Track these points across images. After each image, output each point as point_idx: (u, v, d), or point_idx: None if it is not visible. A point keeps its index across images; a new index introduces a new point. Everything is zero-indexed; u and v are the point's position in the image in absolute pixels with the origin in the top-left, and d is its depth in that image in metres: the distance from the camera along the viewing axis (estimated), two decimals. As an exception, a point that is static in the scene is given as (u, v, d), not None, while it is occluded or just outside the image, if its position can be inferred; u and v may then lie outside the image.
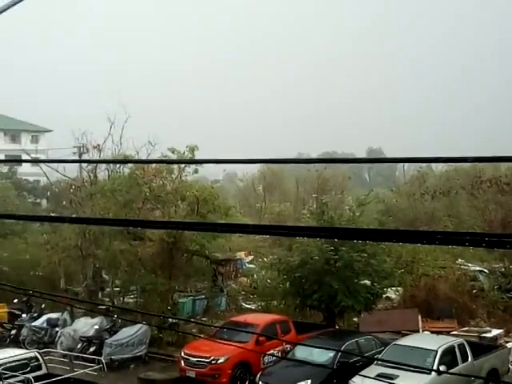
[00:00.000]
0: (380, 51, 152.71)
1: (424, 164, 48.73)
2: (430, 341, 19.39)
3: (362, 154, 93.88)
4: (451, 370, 17.46)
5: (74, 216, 27.10)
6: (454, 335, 22.05)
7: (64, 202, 35.03)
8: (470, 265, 31.24)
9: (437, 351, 17.95)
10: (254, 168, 62.04)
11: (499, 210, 35.86)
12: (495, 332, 23.86)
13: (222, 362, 20.23)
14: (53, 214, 36.24)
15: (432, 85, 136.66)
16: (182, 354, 21.15)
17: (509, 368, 20.11)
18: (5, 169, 54.41)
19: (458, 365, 18.09)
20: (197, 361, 20.57)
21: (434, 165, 50.12)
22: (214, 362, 20.28)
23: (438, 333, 22.03)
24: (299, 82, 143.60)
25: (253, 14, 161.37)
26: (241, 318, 22.95)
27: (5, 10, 6.27)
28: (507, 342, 22.74)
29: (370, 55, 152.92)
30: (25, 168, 57.81)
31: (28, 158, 41.81)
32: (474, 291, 28.63)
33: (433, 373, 17.08)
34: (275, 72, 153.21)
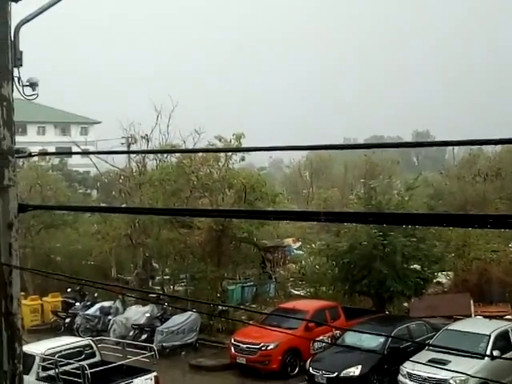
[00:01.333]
0: (424, 28, 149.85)
1: (476, 146, 47.84)
2: (482, 325, 19.11)
3: (409, 138, 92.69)
4: (505, 355, 17.17)
5: (123, 206, 27.49)
6: (507, 319, 21.67)
7: (113, 192, 35.54)
8: (523, 248, 30.55)
9: (490, 336, 17.68)
10: (301, 154, 61.84)
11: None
12: (550, 316, 23.35)
13: (271, 349, 20.32)
14: (103, 204, 36.83)
15: (480, 67, 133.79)
16: (232, 341, 21.31)
17: None
18: (56, 161, 55.43)
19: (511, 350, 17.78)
20: (247, 347, 20.71)
21: (485, 146, 49.15)
22: (263, 348, 20.38)
23: (490, 317, 21.70)
24: (344, 66, 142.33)
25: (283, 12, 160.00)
26: (290, 305, 22.98)
27: (51, 6, 6.35)
28: None
29: (420, 37, 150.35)
30: (75, 159, 58.85)
31: (78, 149, 42.46)
32: (528, 275, 28.00)
33: (486, 358, 16.83)
34: (319, 57, 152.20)
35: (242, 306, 26.65)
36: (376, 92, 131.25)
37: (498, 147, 45.99)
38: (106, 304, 27.31)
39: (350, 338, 19.76)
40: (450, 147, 69.91)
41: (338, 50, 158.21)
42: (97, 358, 17.72)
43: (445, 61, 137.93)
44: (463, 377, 16.01)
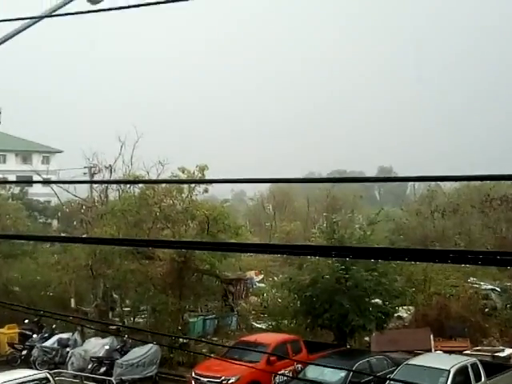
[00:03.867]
0: (392, 71, 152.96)
1: (434, 182, 48.70)
2: (442, 360, 19.25)
3: (373, 173, 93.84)
4: (464, 390, 17.32)
5: (84, 236, 27.19)
6: (466, 354, 21.87)
7: (75, 222, 35.19)
8: (481, 283, 31.04)
9: (449, 371, 17.82)
10: (264, 187, 62.16)
11: (511, 228, 35.66)
12: (508, 351, 23.63)
13: (232, 382, 20.14)
14: (63, 235, 36.37)
15: (444, 103, 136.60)
16: (193, 374, 21.07)
17: (523, 388, 19.89)
18: (16, 190, 54.69)
19: (471, 385, 17.93)
20: (208, 381, 20.49)
21: (443, 183, 50.03)
22: (224, 381, 20.19)
23: (450, 352, 21.86)
24: (311, 103, 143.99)
25: (268, 34, 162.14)
26: (251, 338, 22.86)
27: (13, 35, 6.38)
28: (521, 362, 22.51)
29: (384, 77, 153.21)
30: (36, 188, 58.15)
31: (39, 178, 42.02)
32: (487, 310, 28.42)
33: (446, 393, 16.94)
34: (287, 92, 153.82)
35: (203, 339, 26.44)
36: (343, 128, 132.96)
37: (456, 184, 46.91)
38: (65, 336, 26.81)
39: (312, 372, 19.72)
40: (411, 183, 71.03)
41: (304, 85, 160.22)
42: (54, 392, 17.34)
43: (412, 99, 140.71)
44: (423, 412, 16.07)
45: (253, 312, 31.11)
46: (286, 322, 27.38)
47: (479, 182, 41.96)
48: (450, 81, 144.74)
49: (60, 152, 77.52)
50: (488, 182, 37.99)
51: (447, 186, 49.20)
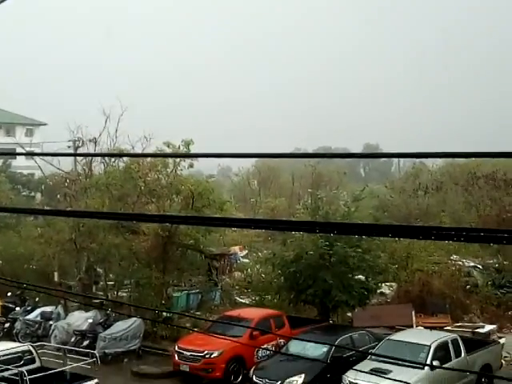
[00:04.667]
0: (379, 47, 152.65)
1: (419, 160, 48.88)
2: (423, 336, 19.45)
3: (359, 150, 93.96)
4: (444, 365, 17.53)
5: (68, 209, 27.05)
6: (447, 330, 22.13)
7: (58, 196, 34.99)
8: (464, 260, 31.33)
9: (430, 346, 18.01)
10: (249, 163, 62.08)
11: (494, 206, 35.90)
12: (488, 327, 23.95)
13: (215, 356, 20.25)
14: (47, 208, 36.18)
15: (432, 80, 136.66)
16: (176, 348, 21.16)
17: (501, 363, 20.19)
18: (-1, 162, 54.26)
19: (451, 360, 18.16)
20: (190, 355, 20.59)
21: (429, 161, 50.28)
22: (207, 356, 20.30)
23: (431, 328, 22.10)
24: (297, 78, 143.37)
25: (252, 13, 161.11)
26: (235, 313, 22.95)
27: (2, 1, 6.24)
28: (500, 338, 22.82)
29: (369, 51, 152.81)
30: (19, 161, 57.59)
31: (22, 151, 41.66)
32: (468, 287, 28.72)
33: (426, 368, 17.15)
34: (273, 68, 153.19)
35: (186, 313, 26.50)
36: (329, 103, 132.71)
37: (440, 161, 47.14)
38: (48, 309, 26.76)
39: (294, 347, 19.86)
40: (396, 160, 71.25)
41: (289, 59, 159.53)
42: (37, 364, 17.33)
43: (398, 74, 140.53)
44: (404, 386, 16.25)
45: (236, 287, 31.22)
46: (269, 297, 27.50)
47: (464, 160, 42.18)
48: (439, 56, 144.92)
49: (44, 125, 76.80)
50: (472, 160, 38.19)
51: (432, 163, 49.54)
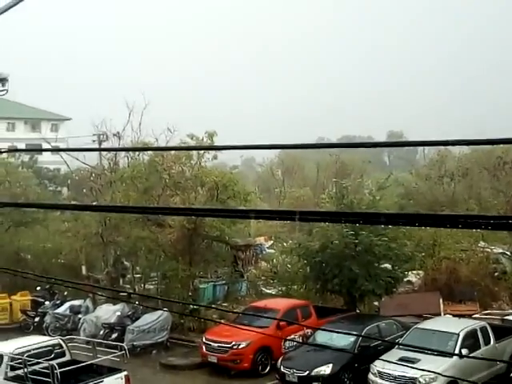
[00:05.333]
0: (404, 33, 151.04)
1: (444, 147, 48.36)
2: (451, 324, 19.32)
3: (383, 138, 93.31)
4: (473, 354, 17.40)
5: (94, 204, 27.26)
6: (476, 318, 21.96)
7: (84, 190, 35.21)
8: (492, 247, 30.99)
9: (459, 334, 17.88)
10: (273, 153, 61.95)
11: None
12: (518, 314, 23.68)
13: (243, 347, 20.33)
14: (74, 202, 36.48)
15: (458, 69, 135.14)
16: (204, 340, 21.28)
17: (532, 351, 19.96)
18: (26, 158, 54.75)
19: (480, 348, 18.04)
20: (218, 346, 20.69)
21: (453, 148, 49.74)
22: (235, 347, 20.38)
23: (459, 316, 21.96)
24: (319, 66, 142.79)
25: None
26: (261, 304, 23.00)
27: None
28: (530, 325, 22.55)
29: (396, 38, 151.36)
30: (45, 156, 58.15)
31: (48, 146, 41.99)
32: (496, 274, 28.43)
33: (455, 356, 17.03)
34: (295, 55, 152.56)
35: (213, 305, 26.60)
36: (353, 92, 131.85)
37: (466, 147, 46.57)
38: (76, 303, 27.06)
39: (321, 337, 19.84)
40: (421, 148, 70.66)
41: (315, 47, 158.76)
42: (66, 358, 17.53)
43: (424, 61, 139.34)
44: (432, 375, 16.18)
45: (262, 278, 31.23)
46: (295, 287, 27.49)
47: (489, 146, 41.66)
48: (468, 46, 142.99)
49: (68, 119, 77.37)
50: (499, 146, 37.69)
51: (457, 150, 48.99)
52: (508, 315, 23.57)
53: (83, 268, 30.75)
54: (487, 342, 18.35)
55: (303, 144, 6.26)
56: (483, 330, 18.60)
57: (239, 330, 19.66)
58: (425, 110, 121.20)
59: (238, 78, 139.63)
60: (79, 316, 26.07)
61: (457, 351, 17.15)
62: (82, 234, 29.35)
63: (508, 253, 30.78)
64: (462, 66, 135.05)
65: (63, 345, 17.91)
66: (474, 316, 23.13)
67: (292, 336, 21.08)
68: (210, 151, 27.59)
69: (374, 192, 25.14)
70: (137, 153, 31.21)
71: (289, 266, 28.88)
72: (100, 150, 33.22)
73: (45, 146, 43.61)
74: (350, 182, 28.87)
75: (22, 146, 62.20)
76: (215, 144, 27.70)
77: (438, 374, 15.76)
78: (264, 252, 34.92)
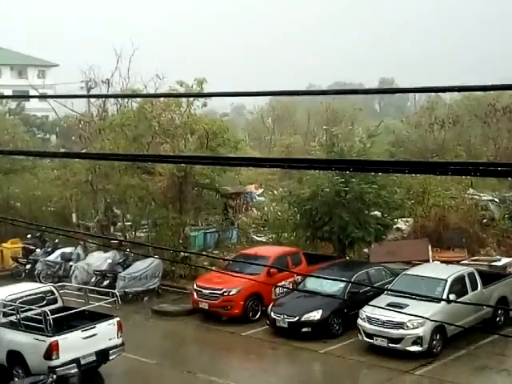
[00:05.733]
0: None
1: (434, 94, 48.12)
2: (439, 270, 19.53)
3: (375, 85, 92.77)
4: (460, 299, 17.65)
5: (83, 151, 27.08)
6: (464, 264, 22.18)
7: (73, 138, 34.97)
8: (481, 194, 31.17)
9: (446, 280, 18.09)
10: (263, 100, 61.54)
11: (512, 139, 35.54)
12: (505, 260, 23.95)
13: (234, 294, 20.53)
14: (62, 150, 36.25)
15: (448, 14, 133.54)
16: (195, 287, 21.45)
17: (518, 296, 20.27)
18: (13, 105, 54.13)
19: (467, 293, 18.27)
20: (209, 293, 20.88)
21: (445, 94, 49.48)
22: (226, 293, 20.57)
23: (448, 262, 22.15)
24: (310, 13, 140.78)
25: None
26: (252, 251, 23.14)
27: None
28: (517, 271, 22.86)
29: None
30: (33, 104, 57.50)
31: (36, 93, 41.47)
32: (485, 220, 28.65)
33: (442, 302, 17.27)
34: (286, 3, 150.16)
35: (204, 253, 26.75)
36: (343, 38, 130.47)
37: (456, 94, 46.31)
38: (67, 250, 27.15)
39: (311, 284, 20.05)
40: (412, 95, 70.29)
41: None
42: (58, 304, 17.64)
43: (416, 8, 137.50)
44: (420, 320, 16.44)
45: (253, 225, 31.38)
46: (286, 234, 27.64)
47: (480, 93, 41.48)
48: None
49: (56, 66, 76.33)
50: (490, 93, 37.54)
51: (448, 97, 48.78)
52: (495, 261, 23.86)
53: (73, 216, 30.74)
54: (474, 288, 18.59)
55: (294, 91, 6.15)
56: (471, 275, 18.83)
57: (230, 276, 19.81)
58: (417, 58, 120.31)
59: (227, 22, 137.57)
60: (70, 263, 26.18)
61: (444, 297, 17.38)
62: (71, 182, 29.24)
63: (496, 200, 30.98)
64: (455, 13, 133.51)
65: (55, 292, 18.00)
66: (462, 262, 23.36)
67: (282, 283, 21.29)
68: (200, 98, 27.31)
69: (364, 139, 25.07)
70: (126, 100, 30.88)
71: (279, 213, 29.00)
72: (88, 96, 32.79)
73: (32, 92, 43.07)
74: (340, 129, 28.84)
75: (8, 92, 61.48)
76: (205, 91, 27.43)
77: (426, 318, 16.00)
78: (254, 200, 35.01)
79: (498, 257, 24.76)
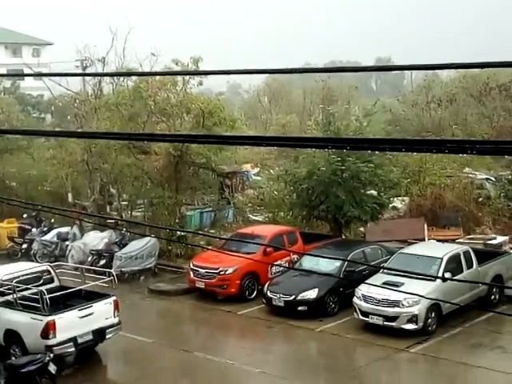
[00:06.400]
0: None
1: (432, 71, 47.98)
2: (435, 249, 19.60)
3: (371, 63, 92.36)
4: (456, 277, 17.72)
5: (79, 130, 26.98)
6: (459, 243, 22.28)
7: (69, 117, 34.84)
8: (476, 173, 31.20)
9: (442, 259, 18.17)
10: (259, 79, 61.28)
11: (508, 117, 35.48)
12: (500, 239, 24.06)
13: (230, 273, 20.58)
14: (58, 129, 36.09)
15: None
16: (191, 266, 21.50)
17: (513, 274, 20.37)
18: (7, 83, 53.78)
19: (463, 272, 18.35)
20: (205, 272, 20.93)
21: (441, 72, 49.38)
22: (222, 272, 20.63)
23: (443, 241, 22.25)
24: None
25: None
26: (248, 230, 23.16)
27: None
28: (512, 249, 22.97)
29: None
30: (28, 82, 57.15)
31: (30, 71, 41.24)
32: (480, 199, 28.71)
33: (438, 280, 17.34)
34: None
35: (200, 232, 26.78)
36: (339, 17, 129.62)
37: (453, 73, 46.18)
38: (63, 230, 27.15)
39: (308, 263, 20.11)
40: (409, 72, 70.03)
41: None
42: (55, 284, 17.68)
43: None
44: (415, 298, 16.51)
45: (249, 205, 31.37)
46: (282, 214, 27.66)
47: (476, 71, 41.35)
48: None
49: (50, 44, 75.76)
50: (485, 70, 37.43)
51: (444, 75, 48.63)
52: (490, 239, 23.95)
53: (69, 195, 30.70)
54: (470, 266, 18.67)
55: (290, 69, 6.11)
56: (466, 254, 18.90)
57: (226, 255, 19.87)
58: (411, 36, 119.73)
59: (223, 4, 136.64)
60: (67, 243, 26.20)
61: (440, 275, 17.46)
62: (67, 162, 29.19)
63: (492, 178, 31.02)
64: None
65: (51, 271, 18.03)
66: (457, 241, 23.46)
67: (278, 262, 21.35)
68: (196, 77, 27.17)
69: (360, 118, 24.99)
70: (121, 79, 30.72)
71: (275, 192, 29.00)
72: (83, 75, 32.60)
73: (27, 71, 42.82)
74: (336, 108, 28.70)
75: (3, 71, 61.01)
76: (201, 69, 27.30)
77: (421, 296, 16.08)
78: (251, 179, 34.98)
79: (494, 235, 24.86)
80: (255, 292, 20.85)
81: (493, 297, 19.21)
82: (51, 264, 19.46)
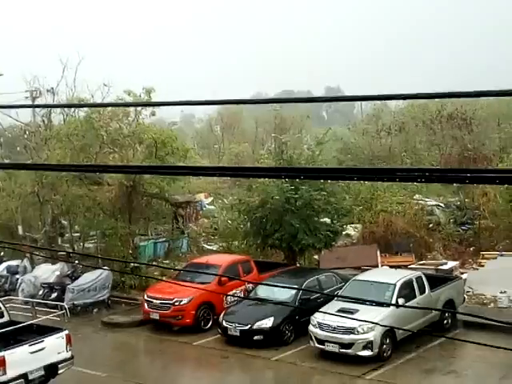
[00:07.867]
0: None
1: (380, 101, 48.91)
2: (388, 275, 19.80)
3: (321, 93, 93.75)
4: (409, 303, 17.90)
5: (29, 162, 26.59)
6: (411, 269, 22.57)
7: (18, 148, 34.29)
8: (426, 200, 31.81)
9: (395, 285, 18.36)
10: (212, 109, 61.49)
11: (455, 146, 36.35)
12: (451, 264, 24.50)
13: (185, 303, 20.41)
14: (7, 161, 35.48)
15: (393, 23, 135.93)
16: (145, 297, 21.26)
17: (464, 298, 20.73)
18: (-45, 115, 52.76)
19: (416, 297, 18.57)
20: (160, 303, 20.71)
21: (390, 102, 50.37)
22: (177, 303, 20.45)
23: (396, 267, 22.51)
24: (259, 22, 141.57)
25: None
26: (202, 260, 23.07)
27: None
28: (462, 273, 23.39)
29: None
30: (-25, 114, 56.08)
31: (-22, 103, 40.55)
32: (431, 225, 29.26)
33: (391, 306, 17.51)
34: (233, 11, 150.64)
35: (154, 263, 26.55)
36: (289, 47, 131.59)
37: (401, 102, 47.20)
38: (13, 263, 26.60)
39: (263, 291, 20.08)
40: (359, 102, 71.20)
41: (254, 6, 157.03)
42: (5, 318, 17.24)
43: (360, 16, 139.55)
44: (370, 325, 16.62)
45: (203, 234, 31.32)
46: (236, 243, 27.64)
47: (425, 101, 42.32)
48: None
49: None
50: (433, 101, 38.33)
51: (393, 104, 49.61)
52: (442, 265, 24.35)
53: (19, 228, 30.08)
54: (422, 291, 18.92)
55: (241, 100, 6.19)
56: (419, 279, 19.15)
57: (181, 286, 19.71)
58: (361, 65, 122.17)
59: (175, 34, 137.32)
60: (17, 276, 25.64)
61: (393, 301, 17.62)
62: (17, 194, 28.67)
63: (442, 204, 31.67)
64: (396, 19, 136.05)
65: (1, 306, 17.57)
66: (409, 266, 23.77)
67: (233, 291, 21.27)
68: (148, 107, 27.15)
69: (313, 147, 25.30)
70: (72, 109, 30.45)
71: (229, 221, 28.99)
72: (33, 106, 32.21)
73: (-25, 102, 42.02)
74: (289, 137, 29.05)
75: (-50, 103, 59.87)
76: (153, 100, 27.29)
77: (376, 323, 16.20)
78: (204, 208, 34.96)
79: (444, 260, 25.29)
80: (211, 322, 20.70)
81: (445, 321, 19.46)
82: (1, 298, 19.01)
